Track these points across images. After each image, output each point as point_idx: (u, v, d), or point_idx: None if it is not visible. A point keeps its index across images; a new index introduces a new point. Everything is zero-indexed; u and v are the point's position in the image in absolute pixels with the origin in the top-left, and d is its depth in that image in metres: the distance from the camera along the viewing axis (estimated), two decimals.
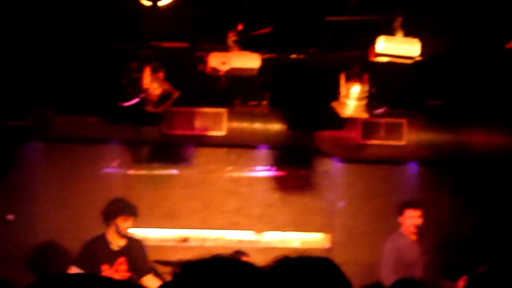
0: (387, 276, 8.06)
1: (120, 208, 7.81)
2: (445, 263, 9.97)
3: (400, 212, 8.60)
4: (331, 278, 2.97)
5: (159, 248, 10.48)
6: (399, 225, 8.69)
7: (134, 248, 7.68)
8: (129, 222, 7.78)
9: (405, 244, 8.48)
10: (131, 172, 11.11)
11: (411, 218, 8.41)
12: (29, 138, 10.74)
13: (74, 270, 7.47)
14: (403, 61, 7.05)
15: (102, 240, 7.84)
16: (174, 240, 10.98)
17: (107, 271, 7.64)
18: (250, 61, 7.96)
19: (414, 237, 8.42)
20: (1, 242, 9.43)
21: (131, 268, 7.54)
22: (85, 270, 7.51)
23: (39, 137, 10.76)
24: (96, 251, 7.75)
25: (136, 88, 8.84)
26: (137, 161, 11.11)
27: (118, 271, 7.69)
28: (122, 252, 7.70)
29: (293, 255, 6.77)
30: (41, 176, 10.71)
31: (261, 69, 8.20)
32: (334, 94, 8.99)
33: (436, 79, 9.00)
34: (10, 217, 7.56)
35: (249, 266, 2.57)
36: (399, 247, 8.49)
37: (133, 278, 7.12)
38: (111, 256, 7.77)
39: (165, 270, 9.06)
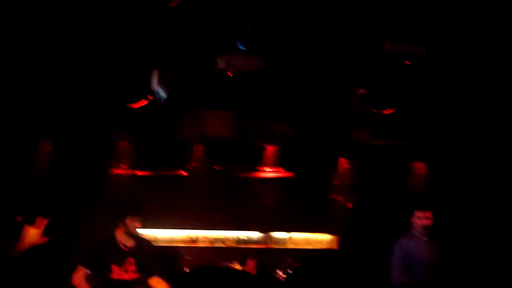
0: (397, 277, 8.07)
1: (128, 209, 7.84)
2: None
3: (410, 213, 8.60)
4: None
5: (168, 249, 10.54)
6: (409, 225, 8.70)
7: (143, 248, 7.70)
8: (137, 222, 7.81)
9: (415, 245, 8.46)
10: (140, 173, 11.17)
11: (420, 219, 8.40)
12: (39, 138, 10.83)
13: (82, 270, 7.49)
14: None
15: (111, 240, 7.87)
16: (183, 240, 11.02)
17: (116, 271, 7.67)
18: (256, 63, 8.01)
19: (424, 238, 8.41)
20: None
21: (139, 269, 7.57)
22: (94, 270, 7.55)
23: (49, 137, 10.84)
24: (105, 251, 7.77)
25: (145, 89, 8.90)
26: (146, 162, 11.15)
27: (127, 271, 7.72)
28: (131, 252, 7.72)
29: (301, 255, 6.80)
30: (51, 176, 10.77)
31: (268, 69, 8.26)
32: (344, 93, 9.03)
33: None
34: (19, 218, 7.56)
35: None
36: (409, 248, 8.47)
37: (142, 279, 7.15)
38: (121, 257, 7.79)
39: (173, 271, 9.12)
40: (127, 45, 8.45)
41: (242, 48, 8.12)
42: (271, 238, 11.20)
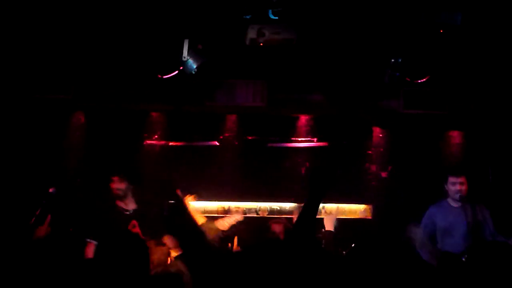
0: (421, 244, 7.98)
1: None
2: None
3: (443, 179, 8.51)
4: None
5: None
6: (443, 193, 8.60)
7: (146, 211, 7.70)
8: (123, 183, 7.85)
9: (445, 213, 8.40)
10: (172, 143, 11.17)
11: (454, 185, 8.32)
12: (73, 110, 10.87)
13: (92, 243, 7.53)
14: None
15: (113, 208, 7.90)
16: (216, 211, 11.02)
17: None
18: (288, 33, 7.92)
19: (458, 205, 8.32)
20: None
21: (145, 232, 7.55)
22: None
23: (82, 109, 10.88)
24: (109, 219, 7.81)
25: (176, 60, 8.87)
26: (178, 133, 11.15)
27: None
28: (134, 216, 7.73)
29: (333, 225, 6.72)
30: (83, 147, 10.82)
31: (300, 38, 8.17)
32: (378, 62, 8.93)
33: None
34: (51, 190, 7.60)
35: None
36: (436, 215, 8.41)
37: (147, 241, 7.04)
38: (124, 221, 7.82)
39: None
40: (158, 16, 8.42)
41: (273, 17, 8.04)
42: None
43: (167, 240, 7.52)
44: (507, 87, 9.90)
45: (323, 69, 9.86)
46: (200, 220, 7.48)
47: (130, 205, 7.89)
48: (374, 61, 9.26)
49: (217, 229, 8.37)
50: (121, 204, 7.90)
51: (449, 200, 8.40)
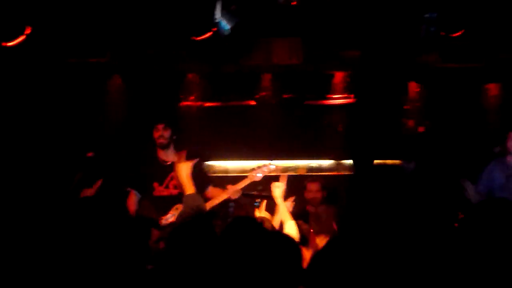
0: (473, 195, 7.89)
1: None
2: None
3: (505, 136, 8.26)
4: None
5: (239, 179, 10.61)
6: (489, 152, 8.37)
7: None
8: (167, 131, 7.89)
9: (507, 168, 8.20)
10: (208, 104, 11.21)
11: None
12: (110, 74, 10.95)
13: (133, 194, 7.65)
14: None
15: (152, 159, 7.97)
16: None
17: (157, 188, 7.79)
18: None
19: None
20: None
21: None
22: (139, 190, 7.72)
23: (119, 72, 10.95)
24: (148, 170, 7.89)
25: (210, 21, 8.88)
26: (214, 93, 11.18)
27: (168, 187, 7.80)
28: (172, 167, 7.76)
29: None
30: (122, 111, 10.92)
31: None
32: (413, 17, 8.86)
33: None
34: (90, 154, 7.72)
35: None
36: (499, 170, 8.24)
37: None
38: (163, 173, 7.89)
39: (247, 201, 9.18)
40: None
41: None
42: (343, 165, 11.17)
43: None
44: None
45: (359, 25, 9.79)
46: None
47: (170, 157, 7.94)
48: (409, 15, 9.19)
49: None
50: (162, 155, 7.95)
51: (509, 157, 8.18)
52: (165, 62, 10.62)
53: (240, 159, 10.87)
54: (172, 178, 7.73)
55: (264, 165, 8.00)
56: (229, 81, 11.03)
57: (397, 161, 10.61)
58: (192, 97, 11.17)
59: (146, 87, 10.87)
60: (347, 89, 11.17)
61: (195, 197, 6.17)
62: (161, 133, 7.82)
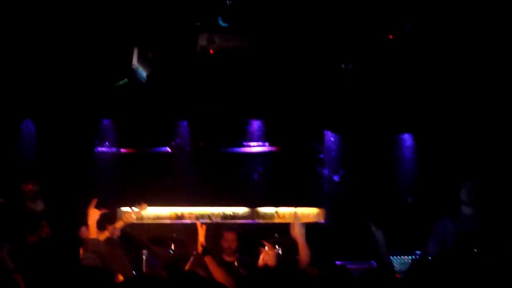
0: (431, 247, 7.97)
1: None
2: None
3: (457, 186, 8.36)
4: None
5: (154, 226, 10.51)
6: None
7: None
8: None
9: (460, 217, 8.26)
10: (124, 150, 11.08)
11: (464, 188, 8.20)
12: (21, 117, 10.73)
13: (5, 247, 7.51)
14: None
15: (21, 208, 8.04)
16: (169, 217, 10.97)
17: (29, 238, 7.77)
18: (239, 40, 7.95)
19: (470, 210, 8.19)
20: None
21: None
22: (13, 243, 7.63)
23: (32, 117, 10.75)
24: (19, 221, 7.95)
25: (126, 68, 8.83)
26: (130, 140, 11.06)
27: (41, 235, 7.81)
28: (42, 216, 7.85)
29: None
30: (35, 156, 10.70)
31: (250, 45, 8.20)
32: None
33: None
34: (1, 200, 7.55)
35: None
36: (452, 219, 8.27)
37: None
38: (34, 222, 8.00)
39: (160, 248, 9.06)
40: (107, 22, 8.36)
41: (224, 24, 8.03)
42: (257, 213, 11.17)
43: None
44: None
45: (275, 74, 9.87)
46: None
47: (38, 206, 7.98)
48: (325, 66, 9.32)
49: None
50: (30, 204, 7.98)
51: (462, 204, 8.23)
52: (80, 107, 10.47)
53: (155, 206, 10.73)
54: (43, 226, 7.75)
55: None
56: (145, 128, 10.93)
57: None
58: (107, 143, 11.01)
59: (59, 132, 10.67)
60: (262, 137, 11.20)
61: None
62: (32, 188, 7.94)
